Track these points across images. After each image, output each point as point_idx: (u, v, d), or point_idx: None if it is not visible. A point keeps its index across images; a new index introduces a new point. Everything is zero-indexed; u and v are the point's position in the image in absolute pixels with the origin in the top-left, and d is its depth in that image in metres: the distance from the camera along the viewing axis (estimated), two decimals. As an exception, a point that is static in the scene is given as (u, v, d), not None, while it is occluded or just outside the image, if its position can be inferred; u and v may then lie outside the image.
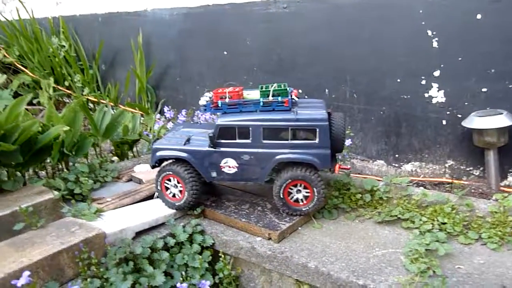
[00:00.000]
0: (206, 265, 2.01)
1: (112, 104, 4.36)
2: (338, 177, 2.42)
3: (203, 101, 2.10)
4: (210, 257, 2.06)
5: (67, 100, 4.89)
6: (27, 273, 1.45)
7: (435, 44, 2.58)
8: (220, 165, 2.08)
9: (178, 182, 2.15)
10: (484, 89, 2.47)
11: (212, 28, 3.74)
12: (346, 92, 3.02)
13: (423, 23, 2.59)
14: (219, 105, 2.05)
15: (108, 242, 1.85)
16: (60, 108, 4.74)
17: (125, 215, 2.14)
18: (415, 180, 2.75)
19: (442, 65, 2.58)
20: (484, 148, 2.45)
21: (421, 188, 2.43)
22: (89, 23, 4.87)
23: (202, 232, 2.13)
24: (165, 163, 2.22)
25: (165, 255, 1.93)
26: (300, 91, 2.22)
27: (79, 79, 4.71)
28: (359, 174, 3.01)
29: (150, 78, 4.36)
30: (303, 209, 2.11)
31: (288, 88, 2.03)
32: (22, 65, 5.05)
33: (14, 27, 5.01)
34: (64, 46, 4.86)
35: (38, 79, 4.83)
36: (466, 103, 2.55)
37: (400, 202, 2.21)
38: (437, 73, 2.60)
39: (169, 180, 2.17)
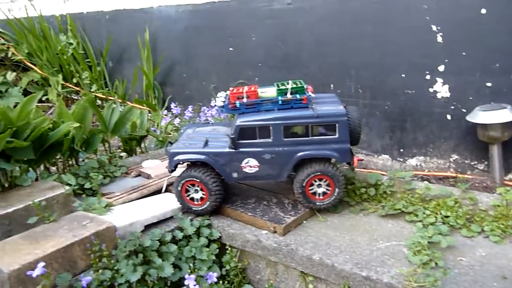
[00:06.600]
0: (213, 257, 2.06)
1: (120, 100, 4.42)
2: (342, 171, 2.45)
3: (219, 102, 2.11)
4: (217, 249, 2.11)
5: (76, 97, 4.96)
6: (42, 264, 1.51)
7: (439, 39, 2.59)
8: (241, 165, 2.09)
9: (202, 189, 2.14)
10: (488, 84, 2.48)
11: (217, 24, 3.78)
12: (351, 86, 3.04)
13: (427, 18, 2.60)
14: (237, 106, 2.07)
15: (118, 235, 1.91)
16: (68, 105, 4.82)
17: (134, 209, 2.20)
18: (419, 174, 2.78)
19: (446, 60, 2.60)
20: (489, 142, 2.47)
21: (425, 182, 2.46)
22: (96, 20, 4.93)
23: (209, 226, 2.18)
24: (182, 168, 2.19)
25: (173, 247, 1.99)
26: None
27: (87, 76, 4.77)
28: (363, 168, 3.04)
29: (157, 75, 4.40)
30: (317, 203, 2.14)
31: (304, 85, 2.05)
32: (31, 63, 5.12)
33: (23, 25, 5.08)
34: (72, 44, 4.92)
35: (47, 77, 4.90)
36: (470, 98, 2.56)
37: (403, 196, 2.24)
38: (441, 68, 2.62)
39: (192, 185, 2.16)
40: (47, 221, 1.90)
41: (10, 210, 1.92)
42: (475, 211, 2.08)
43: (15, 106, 2.38)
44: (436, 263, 1.72)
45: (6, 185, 2.23)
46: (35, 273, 1.49)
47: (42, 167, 2.63)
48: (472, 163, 2.67)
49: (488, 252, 1.83)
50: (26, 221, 1.91)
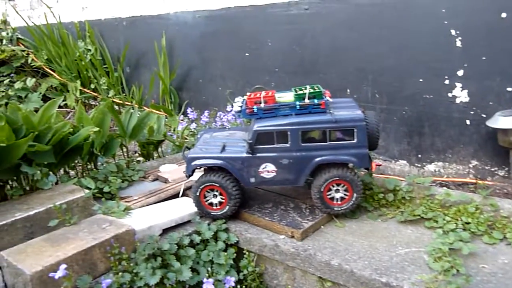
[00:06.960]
0: (231, 262, 2.06)
1: (137, 105, 4.48)
2: (360, 177, 2.44)
3: (236, 107, 2.13)
4: (235, 254, 2.11)
5: (93, 103, 5.04)
6: (63, 266, 1.53)
7: (458, 44, 2.57)
8: (259, 170, 2.09)
9: (221, 194, 2.15)
10: (509, 89, 2.45)
11: (233, 30, 3.80)
12: (368, 92, 3.03)
13: (446, 22, 2.58)
14: (255, 111, 2.07)
15: (137, 239, 1.92)
16: (86, 110, 4.89)
17: (152, 212, 2.21)
18: (438, 180, 2.74)
19: (465, 65, 2.57)
20: (509, 148, 2.43)
21: (444, 188, 2.43)
22: (114, 27, 5.01)
23: (226, 230, 2.18)
24: (200, 172, 2.20)
25: (191, 251, 1.99)
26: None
27: (104, 81, 4.85)
28: (381, 174, 3.01)
29: (173, 80, 4.45)
30: (335, 208, 2.13)
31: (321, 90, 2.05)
32: (50, 69, 5.23)
33: (42, 31, 5.20)
34: (90, 50, 5.01)
35: (66, 82, 5.00)
36: (490, 103, 2.53)
37: (423, 202, 2.22)
38: (460, 73, 2.59)
39: (211, 190, 2.16)
40: (67, 224, 1.93)
41: (31, 212, 1.95)
42: (496, 217, 2.04)
43: (38, 111, 2.42)
44: (457, 270, 1.69)
45: (28, 188, 2.27)
46: (57, 275, 1.51)
47: (62, 171, 2.67)
48: (492, 169, 2.62)
49: (511, 260, 1.79)
50: (47, 224, 1.94)
